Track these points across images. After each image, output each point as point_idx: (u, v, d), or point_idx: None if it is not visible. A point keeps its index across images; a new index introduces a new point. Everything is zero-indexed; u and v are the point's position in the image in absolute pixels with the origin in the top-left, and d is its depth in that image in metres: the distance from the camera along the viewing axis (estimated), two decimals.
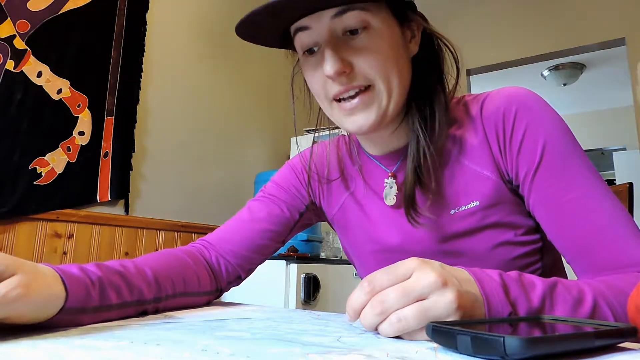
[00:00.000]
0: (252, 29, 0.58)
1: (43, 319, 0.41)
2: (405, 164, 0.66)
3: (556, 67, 4.29)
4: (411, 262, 0.41)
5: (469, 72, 3.21)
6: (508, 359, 0.29)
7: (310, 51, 0.60)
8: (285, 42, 0.65)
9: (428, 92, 0.63)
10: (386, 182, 0.68)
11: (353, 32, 0.57)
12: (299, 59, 0.69)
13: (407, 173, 0.62)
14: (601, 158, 5.30)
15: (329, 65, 0.56)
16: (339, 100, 0.59)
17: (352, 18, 0.56)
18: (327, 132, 0.75)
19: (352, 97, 0.58)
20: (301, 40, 0.59)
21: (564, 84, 4.47)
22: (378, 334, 0.41)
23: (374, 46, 0.57)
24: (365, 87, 0.58)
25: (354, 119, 0.59)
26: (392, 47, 0.59)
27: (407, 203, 0.62)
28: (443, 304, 0.38)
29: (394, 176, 0.67)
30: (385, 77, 0.58)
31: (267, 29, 0.59)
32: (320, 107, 0.70)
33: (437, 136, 0.61)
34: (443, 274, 0.39)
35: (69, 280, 0.44)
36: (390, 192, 0.67)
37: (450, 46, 0.64)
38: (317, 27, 0.57)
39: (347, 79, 0.57)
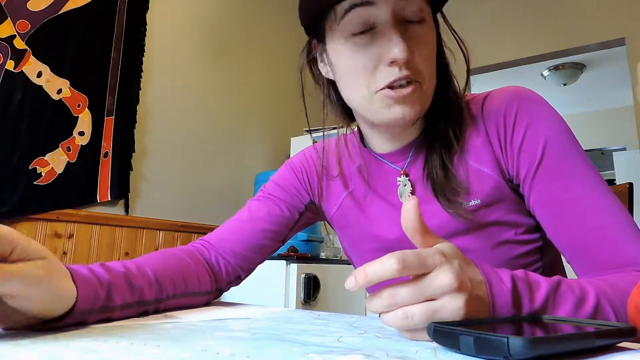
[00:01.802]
0: None
1: (50, 316, 0.40)
2: (415, 160, 0.66)
3: (556, 67, 4.29)
4: (438, 257, 0.39)
5: (469, 72, 3.21)
6: (511, 359, 0.29)
7: (361, 28, 0.56)
8: (312, 27, 0.63)
9: (446, 93, 0.64)
10: (399, 181, 0.67)
11: (414, 21, 0.56)
12: (306, 48, 0.68)
13: (435, 169, 0.62)
14: (601, 158, 5.31)
15: (399, 49, 0.53)
16: (384, 89, 0.57)
17: (414, 4, 0.55)
18: (322, 133, 0.74)
19: (402, 86, 0.56)
20: (358, 16, 0.55)
21: (564, 84, 4.47)
22: (378, 333, 0.41)
23: (427, 40, 0.58)
24: (415, 82, 0.57)
25: (402, 108, 0.57)
26: (435, 45, 0.60)
27: (441, 197, 0.61)
28: (451, 309, 0.38)
29: (406, 174, 0.67)
30: (431, 75, 0.58)
31: None
32: (323, 95, 0.69)
33: (457, 133, 0.62)
34: (460, 277, 0.38)
35: (79, 282, 0.44)
36: (405, 190, 0.67)
37: (464, 49, 0.64)
38: (381, 4, 0.54)
39: (406, 67, 0.55)
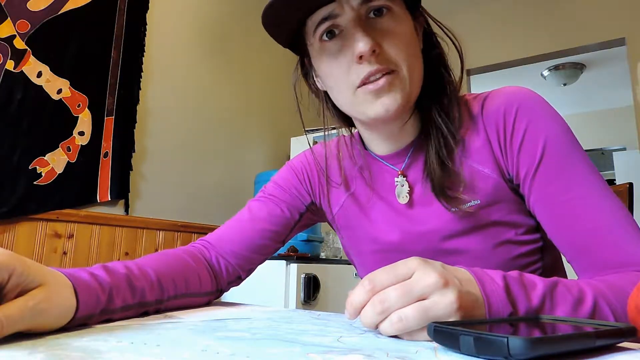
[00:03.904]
0: (282, 6, 0.56)
1: (51, 329, 0.41)
2: (414, 161, 0.66)
3: (556, 67, 4.29)
4: (412, 262, 0.41)
5: (469, 72, 3.21)
6: (511, 359, 0.29)
7: (329, 35, 0.59)
8: (291, 42, 0.65)
9: (440, 86, 0.64)
10: (397, 181, 0.67)
11: (377, 13, 0.58)
12: (300, 62, 0.69)
13: (433, 165, 0.62)
14: (601, 158, 5.30)
15: (362, 43, 0.55)
16: (362, 85, 0.58)
17: (378, 1, 0.57)
18: (322, 134, 0.75)
19: (377, 79, 0.57)
20: (327, 26, 0.59)
21: (564, 84, 4.47)
22: (378, 333, 0.41)
23: (398, 30, 0.58)
24: (390, 71, 0.57)
25: (382, 100, 0.58)
26: (410, 33, 0.60)
27: (439, 194, 0.61)
28: (444, 305, 0.38)
29: (404, 174, 0.67)
30: (408, 62, 0.58)
31: (296, 10, 0.57)
32: (322, 107, 0.70)
33: (455, 127, 0.62)
34: (444, 274, 0.39)
35: (80, 289, 0.44)
36: (403, 191, 0.67)
37: (455, 41, 0.64)
38: (344, 12, 0.57)
39: (375, 60, 0.56)
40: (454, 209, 0.62)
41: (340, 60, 0.59)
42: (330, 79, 0.61)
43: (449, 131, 0.61)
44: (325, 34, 0.59)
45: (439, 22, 0.66)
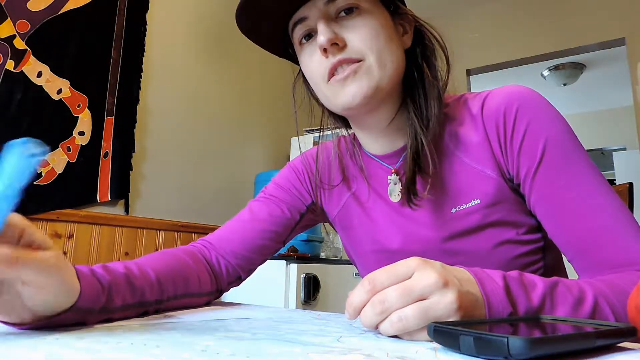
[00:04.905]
0: (253, 16, 0.60)
1: (52, 311, 0.40)
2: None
3: (556, 67, 4.30)
4: (412, 262, 0.41)
5: (469, 72, 3.21)
6: (511, 359, 0.29)
7: (307, 37, 0.62)
8: (284, 50, 0.67)
9: (421, 83, 0.64)
10: (390, 179, 0.67)
11: (346, 12, 0.59)
12: (301, 72, 0.70)
13: (407, 161, 0.62)
14: (601, 158, 5.31)
15: (322, 36, 0.57)
16: (331, 78, 0.60)
17: (343, 1, 0.59)
18: (323, 134, 0.75)
19: (344, 70, 0.59)
20: (300, 29, 0.62)
21: (564, 84, 4.48)
22: (378, 333, 0.41)
23: (365, 23, 0.59)
24: (357, 60, 0.59)
25: (347, 89, 0.59)
26: (382, 26, 0.60)
27: (407, 188, 0.62)
28: (444, 305, 0.38)
29: (397, 172, 0.67)
30: (376, 52, 0.59)
31: (267, 19, 0.61)
32: (322, 108, 0.70)
33: (432, 124, 0.62)
34: (444, 274, 0.39)
35: (83, 280, 0.44)
36: (395, 189, 0.67)
37: (438, 37, 0.65)
38: (312, 14, 0.60)
39: (339, 52, 0.58)
40: (454, 210, 0.62)
41: (313, 59, 0.61)
42: (310, 79, 0.64)
43: (421, 128, 0.61)
44: (304, 37, 0.62)
45: (419, 18, 0.66)
